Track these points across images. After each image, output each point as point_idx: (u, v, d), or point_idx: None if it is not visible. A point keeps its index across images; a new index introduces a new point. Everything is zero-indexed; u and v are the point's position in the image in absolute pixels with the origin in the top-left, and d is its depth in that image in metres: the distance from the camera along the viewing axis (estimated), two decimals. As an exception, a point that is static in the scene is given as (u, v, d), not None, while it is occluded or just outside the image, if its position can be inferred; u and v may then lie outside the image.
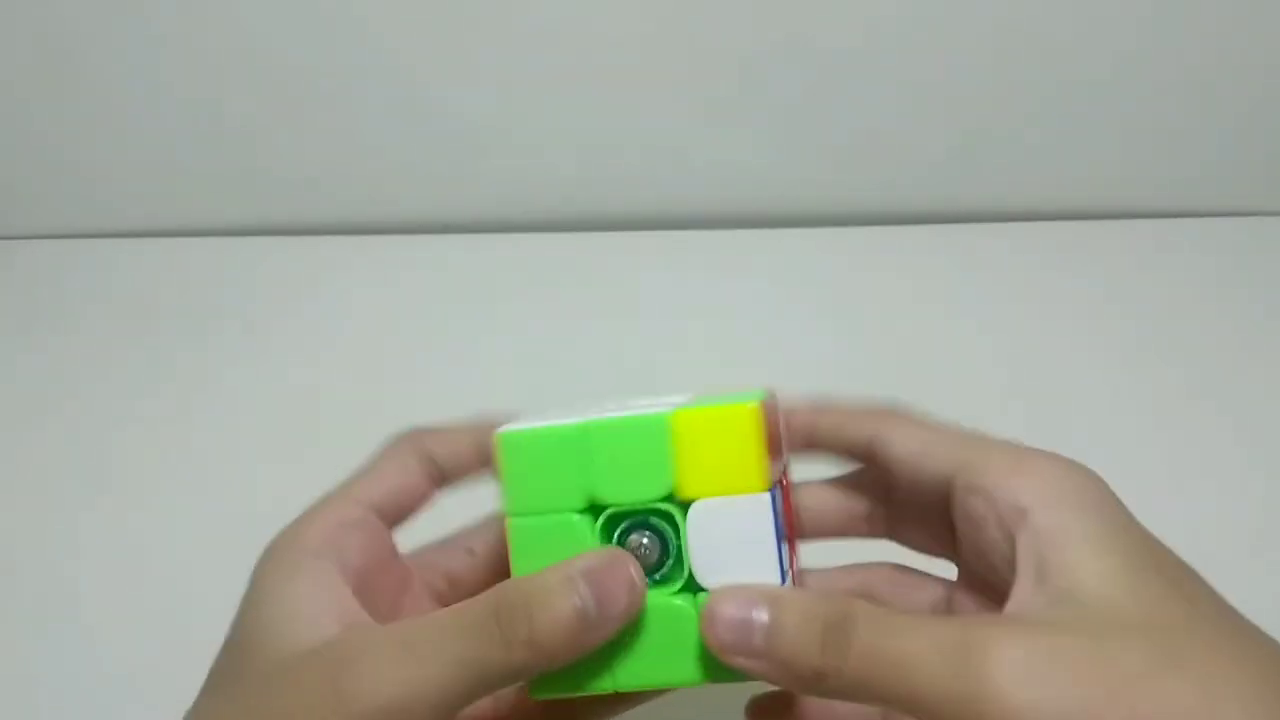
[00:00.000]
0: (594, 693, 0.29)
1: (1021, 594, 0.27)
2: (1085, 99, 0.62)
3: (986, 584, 0.30)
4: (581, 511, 0.29)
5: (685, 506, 0.28)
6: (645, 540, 0.29)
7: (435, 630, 0.26)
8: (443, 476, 0.33)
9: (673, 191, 0.66)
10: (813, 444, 0.34)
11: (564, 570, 0.27)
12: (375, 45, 0.60)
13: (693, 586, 0.28)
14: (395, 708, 0.25)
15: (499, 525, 0.31)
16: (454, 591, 0.34)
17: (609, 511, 0.29)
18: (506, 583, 0.27)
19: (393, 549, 0.32)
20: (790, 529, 0.31)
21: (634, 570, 0.27)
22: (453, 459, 0.33)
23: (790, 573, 0.30)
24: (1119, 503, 0.28)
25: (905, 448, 0.31)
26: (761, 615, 0.26)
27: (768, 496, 0.28)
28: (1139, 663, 0.24)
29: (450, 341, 0.59)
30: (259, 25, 0.59)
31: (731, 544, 0.28)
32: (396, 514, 0.32)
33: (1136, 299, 0.61)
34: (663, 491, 0.28)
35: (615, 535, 0.29)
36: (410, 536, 0.33)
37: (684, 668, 0.28)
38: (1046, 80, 0.62)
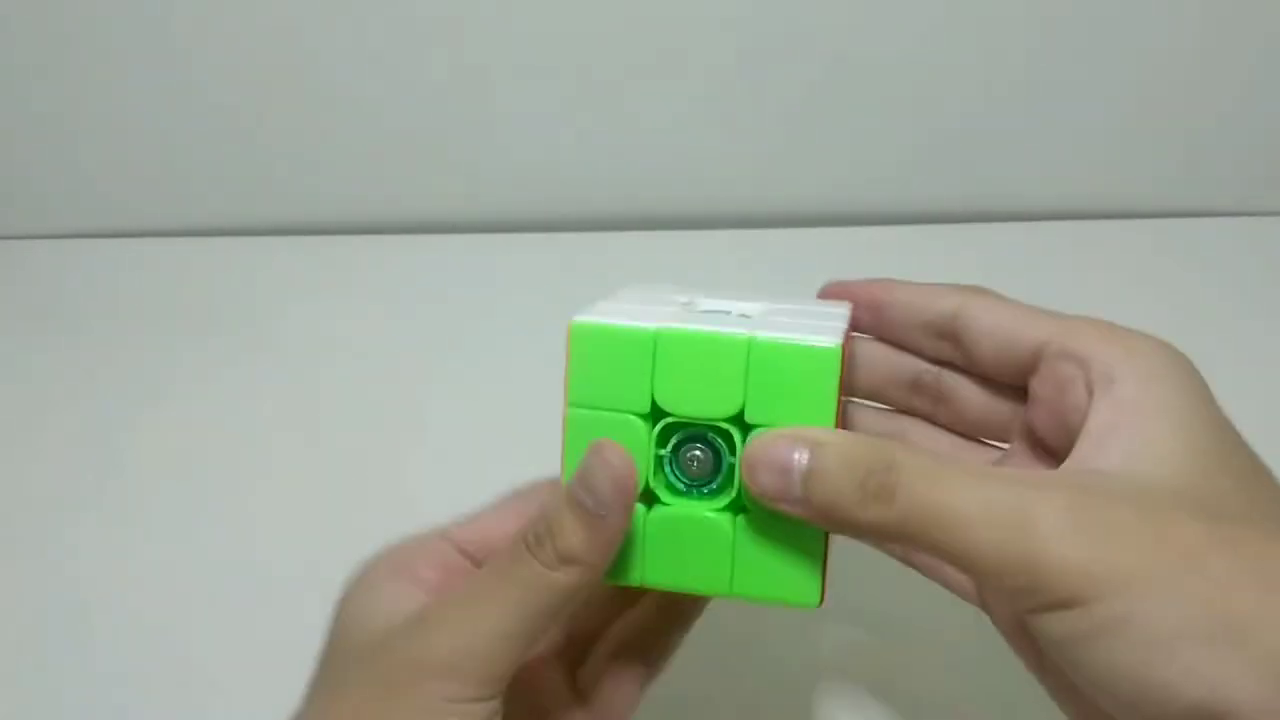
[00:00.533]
0: (625, 585, 0.29)
1: (1082, 457, 0.27)
2: (1085, 99, 0.62)
3: (1049, 453, 0.30)
4: (641, 415, 0.28)
5: (745, 427, 0.28)
6: (699, 453, 0.29)
7: (485, 578, 0.28)
8: None
9: (673, 191, 0.66)
10: (882, 318, 0.33)
11: (567, 484, 0.28)
12: (376, 46, 0.60)
13: (736, 506, 0.29)
14: (469, 649, 0.27)
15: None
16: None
17: (668, 419, 0.28)
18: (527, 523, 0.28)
19: (470, 573, 0.32)
20: (841, 389, 0.30)
21: (612, 454, 0.27)
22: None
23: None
24: (1205, 388, 0.28)
25: (995, 318, 0.31)
26: (802, 459, 0.26)
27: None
28: (1190, 539, 0.24)
29: (450, 341, 0.59)
30: (260, 26, 0.59)
31: None
32: (484, 554, 0.32)
33: (1137, 299, 0.60)
34: (728, 413, 0.28)
35: (671, 442, 0.29)
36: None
37: (713, 579, 0.29)
38: (1047, 80, 0.62)
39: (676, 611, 0.34)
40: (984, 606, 0.31)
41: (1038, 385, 0.30)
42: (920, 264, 0.63)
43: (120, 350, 0.59)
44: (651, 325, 0.28)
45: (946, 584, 0.32)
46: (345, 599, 0.30)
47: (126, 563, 0.49)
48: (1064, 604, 0.24)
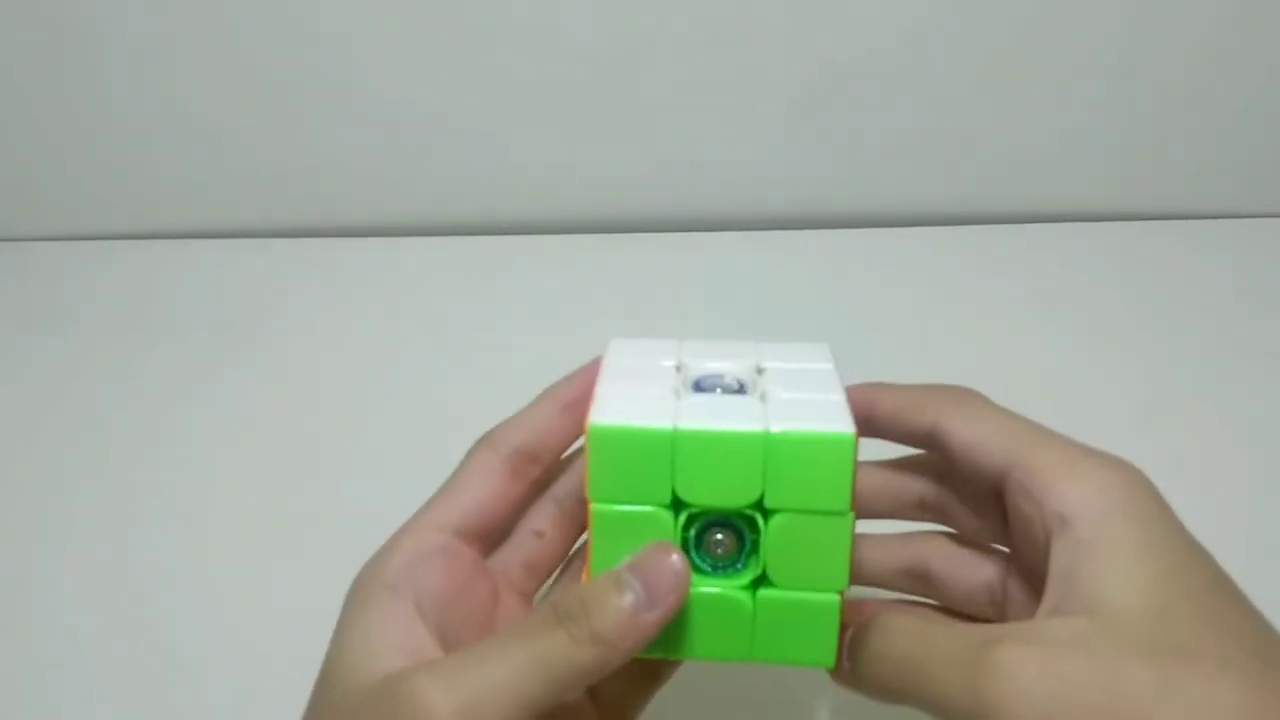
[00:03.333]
0: (645, 656, 0.30)
1: (1047, 605, 0.27)
2: (1085, 99, 0.62)
3: (1036, 575, 0.30)
4: (665, 506, 0.29)
5: (767, 512, 0.29)
6: (722, 536, 0.30)
7: (502, 641, 0.27)
8: (533, 464, 0.33)
9: (673, 191, 0.66)
10: (871, 427, 0.34)
11: (613, 572, 0.28)
12: (376, 47, 0.60)
13: (760, 583, 0.30)
14: (479, 710, 0.26)
15: (557, 500, 0.34)
16: (532, 578, 0.34)
17: (692, 510, 0.29)
18: (560, 597, 0.29)
19: (476, 566, 0.32)
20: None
21: (676, 559, 0.28)
22: (537, 441, 0.33)
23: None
24: (1168, 514, 0.28)
25: (963, 437, 0.31)
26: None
27: (851, 516, 0.29)
28: (1146, 692, 0.24)
29: (450, 342, 0.59)
30: (259, 27, 0.59)
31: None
32: (485, 529, 0.33)
33: (1136, 299, 0.61)
34: (748, 501, 0.29)
35: (695, 529, 0.30)
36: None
37: (733, 648, 0.30)
38: (1047, 81, 0.62)
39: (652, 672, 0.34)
40: None
41: (1009, 515, 0.30)
42: (920, 265, 0.63)
43: (119, 350, 0.59)
44: (668, 425, 0.29)
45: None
46: (339, 626, 0.30)
47: (126, 563, 0.49)
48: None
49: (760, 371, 0.32)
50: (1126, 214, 0.66)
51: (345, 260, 0.64)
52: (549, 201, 0.66)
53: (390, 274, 0.63)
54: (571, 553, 0.35)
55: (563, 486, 0.34)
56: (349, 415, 0.55)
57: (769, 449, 0.28)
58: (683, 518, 0.29)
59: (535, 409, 0.34)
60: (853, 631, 0.29)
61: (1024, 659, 0.25)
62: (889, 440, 0.34)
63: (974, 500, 0.33)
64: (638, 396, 0.30)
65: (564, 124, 0.63)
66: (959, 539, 0.34)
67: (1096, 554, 0.27)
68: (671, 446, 0.29)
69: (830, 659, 0.30)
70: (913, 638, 0.27)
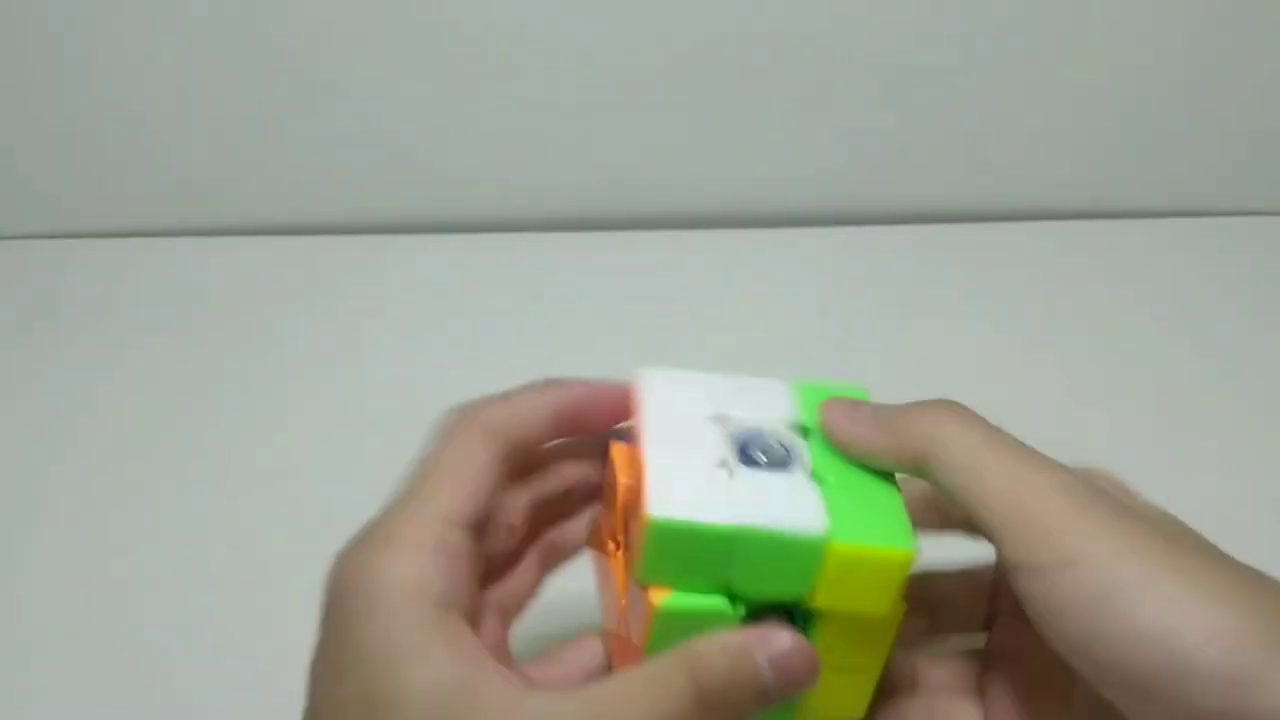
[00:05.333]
0: None
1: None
2: (1085, 98, 0.62)
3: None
4: (725, 595, 0.29)
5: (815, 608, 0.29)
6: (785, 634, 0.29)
7: (628, 691, 0.26)
8: (519, 454, 0.31)
9: (673, 191, 0.66)
10: (846, 449, 0.31)
11: (760, 651, 0.28)
12: (376, 46, 0.60)
13: None
14: None
15: (532, 493, 0.33)
16: (494, 572, 0.32)
17: (753, 602, 0.29)
18: (703, 650, 0.27)
19: (470, 560, 0.29)
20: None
21: (814, 655, 0.28)
22: (524, 438, 0.31)
23: None
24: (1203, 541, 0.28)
25: (955, 480, 0.29)
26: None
27: (900, 614, 0.30)
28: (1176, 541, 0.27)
29: (450, 341, 0.59)
30: (260, 26, 0.59)
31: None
32: (479, 518, 0.30)
33: (1136, 299, 0.61)
34: (799, 594, 0.29)
35: (748, 610, 0.29)
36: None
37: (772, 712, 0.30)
38: (1047, 80, 0.62)
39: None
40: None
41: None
42: (921, 265, 0.63)
43: (119, 350, 0.59)
44: (728, 521, 0.28)
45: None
46: (350, 621, 0.27)
47: (126, 563, 0.49)
48: (1058, 565, 0.26)
49: (805, 433, 0.31)
50: (1127, 213, 0.66)
51: (345, 260, 0.64)
52: (548, 199, 0.66)
53: (391, 274, 0.63)
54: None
55: (546, 485, 0.33)
56: (348, 414, 0.55)
57: (829, 556, 0.28)
58: (741, 609, 0.29)
59: (526, 399, 0.32)
60: None
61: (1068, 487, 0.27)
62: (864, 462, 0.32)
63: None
64: (688, 474, 0.29)
65: (563, 123, 0.63)
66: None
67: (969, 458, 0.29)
68: (731, 541, 0.28)
69: (861, 711, 0.31)
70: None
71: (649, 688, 0.27)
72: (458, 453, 0.30)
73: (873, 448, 0.30)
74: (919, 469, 0.29)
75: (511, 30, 0.59)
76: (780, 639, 0.28)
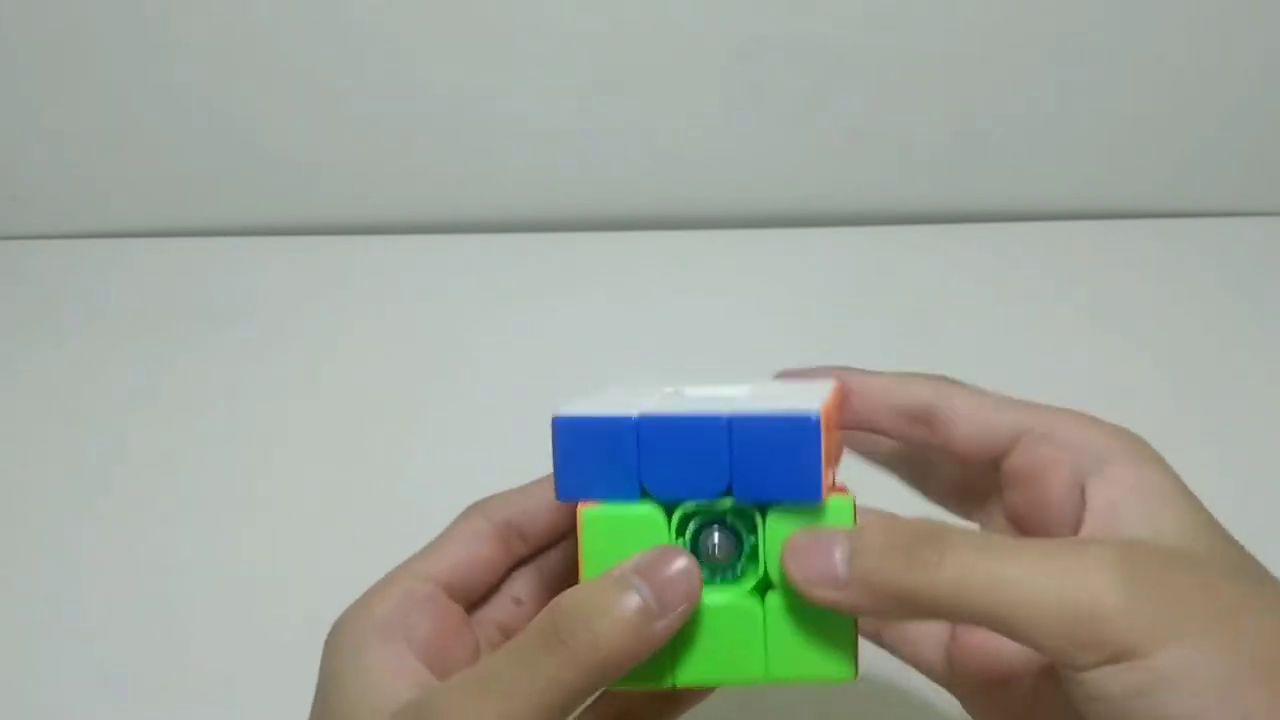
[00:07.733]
0: (653, 689, 0.28)
1: (1092, 529, 0.28)
2: (1085, 98, 0.62)
3: (1024, 533, 0.31)
4: (656, 505, 0.28)
5: (764, 507, 0.28)
6: (719, 538, 0.28)
7: (504, 664, 0.26)
8: (520, 540, 0.32)
9: (673, 191, 0.66)
10: (853, 410, 0.33)
11: (614, 572, 0.26)
12: (377, 46, 0.60)
13: (763, 587, 0.28)
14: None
15: (540, 571, 0.32)
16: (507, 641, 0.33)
17: (682, 511, 0.28)
18: (559, 597, 0.26)
19: (462, 620, 0.31)
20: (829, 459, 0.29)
21: (687, 558, 0.27)
22: (527, 519, 0.32)
23: None
24: (1175, 472, 0.29)
25: (971, 405, 0.31)
26: (843, 540, 0.26)
27: (851, 499, 0.28)
28: (1229, 595, 0.25)
29: (450, 341, 0.59)
30: (261, 25, 0.59)
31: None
32: (467, 589, 0.31)
33: (1136, 299, 0.61)
34: (716, 491, 0.27)
35: (688, 530, 0.28)
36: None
37: (747, 667, 0.28)
38: (1046, 80, 0.62)
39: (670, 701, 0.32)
40: (950, 685, 0.31)
41: (1013, 467, 0.30)
42: (920, 264, 0.63)
43: (120, 350, 0.59)
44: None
45: (915, 660, 0.32)
46: (334, 668, 0.29)
47: (126, 563, 0.49)
48: (1124, 656, 0.24)
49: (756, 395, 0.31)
50: (1127, 213, 0.66)
51: (345, 260, 0.64)
52: (547, 199, 0.66)
53: (390, 274, 0.63)
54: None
55: (549, 561, 0.33)
56: (348, 414, 0.55)
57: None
58: (675, 519, 0.28)
59: (533, 490, 0.33)
60: (907, 547, 0.26)
61: (1123, 560, 0.25)
62: (865, 429, 0.33)
63: (949, 471, 0.34)
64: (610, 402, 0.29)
65: (562, 123, 0.63)
66: (967, 384, 0.32)
67: (1143, 490, 0.28)
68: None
69: (850, 670, 0.28)
70: (976, 545, 0.25)
71: (518, 646, 0.26)
72: (455, 530, 0.32)
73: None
74: (927, 406, 0.32)
75: (511, 30, 0.60)
76: (639, 554, 0.27)
